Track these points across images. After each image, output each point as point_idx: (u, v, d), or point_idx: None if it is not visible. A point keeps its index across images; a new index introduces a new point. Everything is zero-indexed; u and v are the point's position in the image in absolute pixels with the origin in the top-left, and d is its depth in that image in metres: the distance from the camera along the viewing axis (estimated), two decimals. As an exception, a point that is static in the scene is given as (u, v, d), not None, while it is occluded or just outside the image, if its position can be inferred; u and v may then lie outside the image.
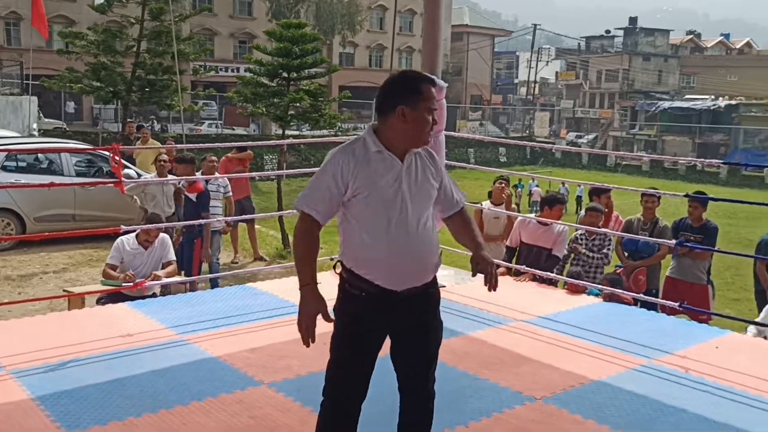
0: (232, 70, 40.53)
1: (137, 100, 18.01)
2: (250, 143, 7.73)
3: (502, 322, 5.04)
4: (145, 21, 17.55)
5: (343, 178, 2.55)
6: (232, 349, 4.30)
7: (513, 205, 8.28)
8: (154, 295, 5.85)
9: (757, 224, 21.91)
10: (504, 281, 6.22)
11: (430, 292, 2.73)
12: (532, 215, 8.15)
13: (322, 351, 3.41)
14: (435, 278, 2.76)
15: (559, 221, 6.46)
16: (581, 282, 5.86)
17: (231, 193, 8.89)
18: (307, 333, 2.54)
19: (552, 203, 6.52)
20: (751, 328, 5.43)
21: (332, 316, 2.64)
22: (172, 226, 7.28)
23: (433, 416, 2.85)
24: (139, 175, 10.40)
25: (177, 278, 6.27)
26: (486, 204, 7.58)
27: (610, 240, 6.33)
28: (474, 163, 38.20)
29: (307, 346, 2.55)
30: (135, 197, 8.51)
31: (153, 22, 17.67)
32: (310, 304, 2.55)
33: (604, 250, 6.25)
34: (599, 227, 6.38)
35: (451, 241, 4.42)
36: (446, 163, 6.06)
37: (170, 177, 8.58)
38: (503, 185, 7.60)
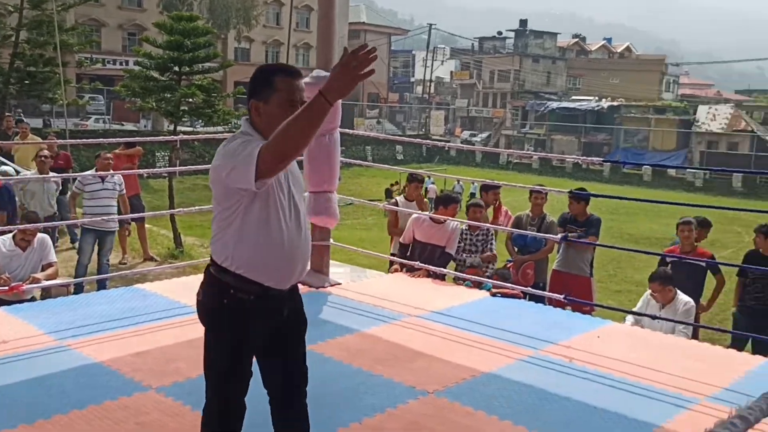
0: (121, 63, 38.96)
1: (16, 93, 16.99)
2: (139, 139, 7.40)
3: (396, 318, 5.09)
4: (24, 9, 16.57)
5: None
6: (117, 354, 4.12)
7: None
8: (33, 299, 5.53)
9: (635, 219, 23.27)
10: (398, 278, 6.32)
11: (297, 288, 2.72)
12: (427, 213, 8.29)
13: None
14: None
15: (453, 218, 6.59)
16: (475, 277, 6.00)
17: (125, 191, 8.59)
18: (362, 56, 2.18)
19: (447, 202, 6.62)
20: (629, 318, 5.75)
21: (205, 325, 2.57)
22: (52, 226, 6.93)
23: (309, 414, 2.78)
24: (18, 172, 9.83)
25: (58, 280, 5.96)
26: (400, 199, 7.74)
27: (493, 235, 6.55)
28: (371, 160, 38.48)
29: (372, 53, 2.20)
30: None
31: (33, 11, 16.73)
32: (335, 76, 2.21)
33: (489, 245, 6.48)
34: (490, 222, 6.57)
35: (345, 237, 4.42)
36: (344, 160, 6.07)
37: (51, 174, 8.17)
38: (418, 185, 7.69)
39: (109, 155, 8.53)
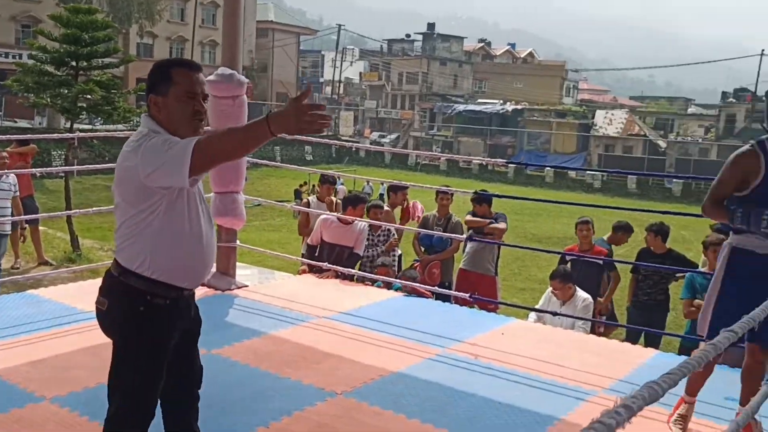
0: (14, 57, 36.94)
1: None
2: (33, 136, 7.06)
3: (304, 319, 5.05)
4: None
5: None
6: (8, 364, 3.89)
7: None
8: None
9: (538, 219, 24.10)
10: (307, 279, 6.28)
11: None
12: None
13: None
14: None
15: (361, 218, 6.61)
16: (385, 278, 6.04)
17: (19, 192, 8.14)
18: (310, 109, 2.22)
19: (355, 202, 6.64)
20: (532, 315, 5.94)
21: (115, 335, 2.49)
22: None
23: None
24: None
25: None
26: (312, 199, 7.75)
27: (394, 233, 6.71)
28: (280, 160, 38.12)
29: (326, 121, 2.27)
30: None
31: None
32: (287, 113, 2.23)
33: (393, 243, 6.64)
34: (399, 223, 6.63)
35: (253, 239, 4.36)
36: (251, 160, 5.97)
37: None
38: (329, 187, 7.72)
39: (4, 153, 8.07)
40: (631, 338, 6.23)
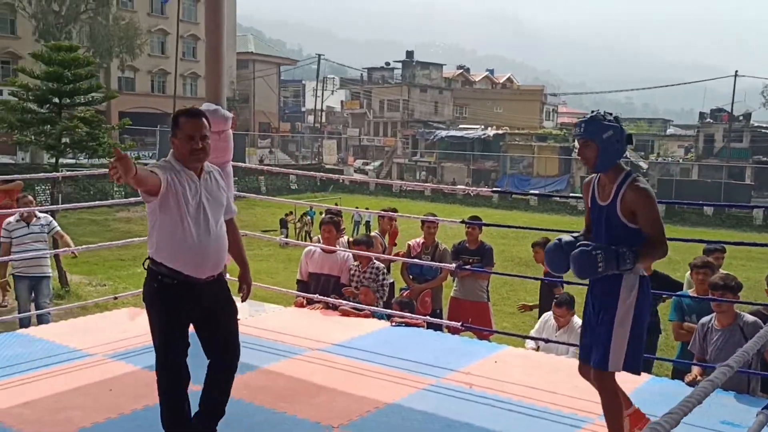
0: (-6, 93, 36.84)
1: None
2: (19, 176, 7.01)
3: (297, 352, 5.05)
4: None
5: (172, 172, 3.20)
6: (1, 405, 3.87)
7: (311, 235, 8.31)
8: None
9: (524, 242, 24.12)
10: (297, 311, 6.26)
11: (222, 280, 3.44)
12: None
13: (106, 399, 3.71)
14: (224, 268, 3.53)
15: (343, 248, 6.56)
16: (371, 308, 6.04)
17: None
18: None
19: (326, 224, 6.63)
20: (530, 342, 5.93)
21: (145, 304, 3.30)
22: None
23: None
24: None
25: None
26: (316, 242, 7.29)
27: (384, 271, 6.50)
28: (265, 191, 38.12)
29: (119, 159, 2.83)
30: None
31: None
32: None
33: (381, 280, 6.40)
34: (388, 246, 6.62)
35: (251, 275, 4.39)
36: (237, 193, 5.97)
37: None
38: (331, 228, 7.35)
39: (29, 197, 8.06)
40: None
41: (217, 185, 3.40)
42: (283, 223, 25.82)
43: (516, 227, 6.71)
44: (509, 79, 77.82)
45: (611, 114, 3.39)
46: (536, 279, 6.97)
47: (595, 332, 3.31)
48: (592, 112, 3.46)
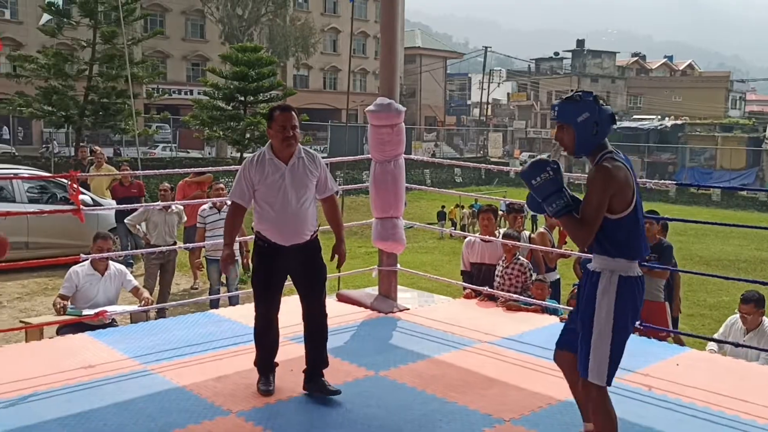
0: (185, 93, 40.21)
1: (90, 125, 17.66)
2: (210, 168, 7.62)
3: (466, 344, 5.07)
4: (96, 44, 17.29)
5: (248, 177, 3.95)
6: (197, 378, 4.23)
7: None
8: (113, 323, 5.72)
9: (704, 240, 22.59)
10: (466, 303, 6.28)
11: (310, 246, 4.04)
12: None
13: (288, 378, 4.15)
14: (312, 235, 4.05)
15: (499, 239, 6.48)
16: (542, 303, 5.93)
17: (186, 220, 8.90)
18: (225, 264, 4.12)
19: (483, 212, 6.70)
20: (712, 345, 5.56)
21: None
22: (132, 253, 7.16)
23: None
24: (95, 201, 10.22)
25: (134, 307, 6.15)
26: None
27: (530, 268, 6.32)
28: (430, 183, 38.51)
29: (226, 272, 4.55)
30: (138, 226, 8.43)
31: (105, 45, 17.42)
32: (225, 252, 4.08)
33: (526, 276, 6.23)
34: (558, 244, 6.46)
35: (407, 261, 4.48)
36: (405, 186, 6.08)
37: (171, 203, 8.45)
38: (516, 216, 7.22)
39: (220, 185, 8.83)
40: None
41: (305, 170, 3.98)
42: (441, 215, 26.01)
43: (700, 222, 6.26)
44: (690, 66, 72.80)
45: (591, 94, 3.04)
46: (718, 277, 6.50)
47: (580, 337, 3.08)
48: (571, 91, 3.16)
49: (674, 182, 11.78)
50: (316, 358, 4.06)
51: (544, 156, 2.97)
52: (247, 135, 12.07)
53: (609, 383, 3.03)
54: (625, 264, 2.98)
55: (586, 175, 3.14)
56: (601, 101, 3.02)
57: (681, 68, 71.44)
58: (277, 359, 4.16)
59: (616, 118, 3.14)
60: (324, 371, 4.06)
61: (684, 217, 6.63)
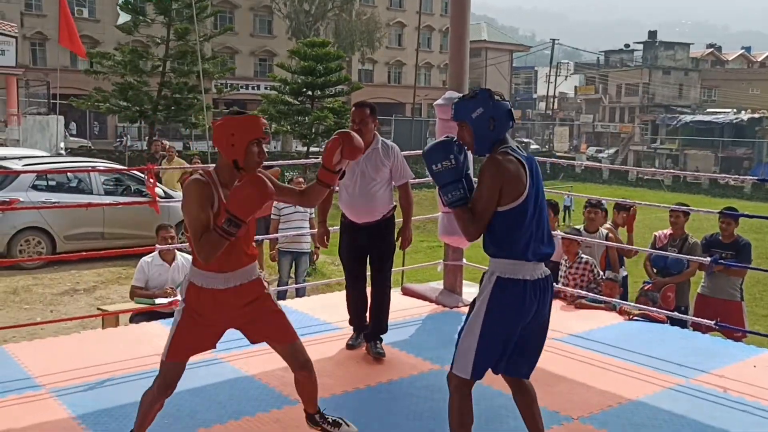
0: (253, 88, 40.90)
1: (163, 119, 18.20)
2: (280, 162, 7.73)
3: (533, 340, 5.00)
4: (170, 41, 17.78)
5: None
6: (266, 368, 4.31)
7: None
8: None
9: (783, 239, 21.62)
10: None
11: (380, 225, 4.56)
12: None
13: (356, 370, 4.24)
14: (383, 216, 4.54)
15: (562, 233, 6.36)
16: (611, 300, 5.82)
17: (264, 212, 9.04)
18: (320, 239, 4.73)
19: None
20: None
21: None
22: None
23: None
24: (167, 194, 10.52)
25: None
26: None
27: (595, 266, 6.20)
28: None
29: (323, 245, 4.77)
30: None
31: (177, 42, 17.90)
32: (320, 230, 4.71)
33: (591, 278, 6.14)
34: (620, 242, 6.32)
35: (471, 256, 4.47)
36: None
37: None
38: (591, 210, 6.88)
39: (300, 179, 8.97)
40: None
41: (378, 159, 4.48)
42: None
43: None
44: (768, 57, 69.88)
45: (487, 90, 2.92)
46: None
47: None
48: (471, 89, 3.09)
49: (751, 177, 11.30)
50: (376, 324, 4.68)
51: (452, 137, 2.85)
52: (314, 129, 12.22)
53: (475, 377, 3.00)
54: (506, 265, 2.88)
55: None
56: (496, 96, 2.94)
57: (759, 59, 68.60)
58: (345, 352, 4.23)
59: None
60: (382, 340, 4.68)
61: (762, 214, 6.37)
